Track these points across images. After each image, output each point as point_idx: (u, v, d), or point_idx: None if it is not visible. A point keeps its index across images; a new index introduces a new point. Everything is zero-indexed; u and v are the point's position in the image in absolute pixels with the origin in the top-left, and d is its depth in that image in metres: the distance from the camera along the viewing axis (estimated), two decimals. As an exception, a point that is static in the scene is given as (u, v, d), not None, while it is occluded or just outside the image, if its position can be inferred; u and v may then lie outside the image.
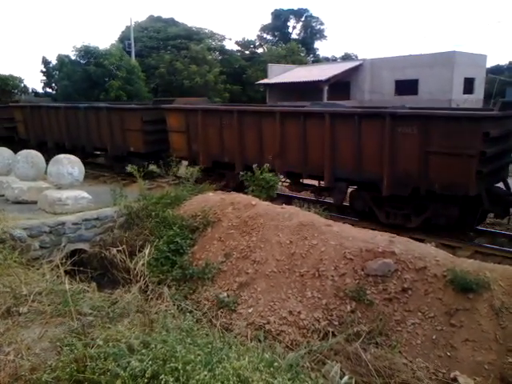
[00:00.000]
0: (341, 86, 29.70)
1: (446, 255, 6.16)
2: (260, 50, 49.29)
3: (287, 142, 10.84)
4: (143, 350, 3.15)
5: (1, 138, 20.12)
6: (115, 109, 15.46)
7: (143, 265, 6.40)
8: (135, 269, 6.22)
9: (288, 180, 11.82)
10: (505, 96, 30.31)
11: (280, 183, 11.78)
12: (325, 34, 55.36)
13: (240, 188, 10.82)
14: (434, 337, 5.22)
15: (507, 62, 44.31)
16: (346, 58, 48.74)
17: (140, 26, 43.26)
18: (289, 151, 10.87)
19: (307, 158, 10.50)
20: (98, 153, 17.49)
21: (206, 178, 11.69)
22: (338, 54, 54.20)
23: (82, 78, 30.71)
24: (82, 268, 6.53)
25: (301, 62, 40.22)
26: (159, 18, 46.76)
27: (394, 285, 5.75)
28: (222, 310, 6.17)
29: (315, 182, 11.21)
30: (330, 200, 11.18)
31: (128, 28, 38.73)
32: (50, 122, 17.82)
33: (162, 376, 2.85)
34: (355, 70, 29.94)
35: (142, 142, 14.35)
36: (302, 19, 54.61)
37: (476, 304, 5.26)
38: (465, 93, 26.93)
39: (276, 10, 53.98)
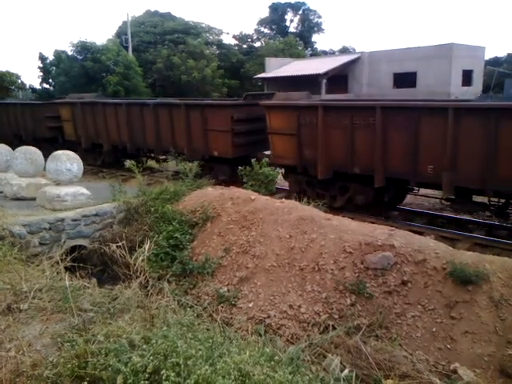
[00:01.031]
0: (339, 79, 29.66)
1: (446, 248, 6.16)
2: (257, 44, 49.13)
3: (463, 148, 8.34)
4: (144, 346, 3.15)
5: (44, 139, 18.26)
6: (196, 106, 13.12)
7: (143, 260, 6.41)
8: (135, 264, 6.23)
9: (452, 197, 9.30)
10: (503, 88, 30.23)
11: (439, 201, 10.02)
12: (322, 27, 55.34)
13: (373, 205, 9.23)
14: (433, 329, 5.23)
15: (505, 54, 44.23)
16: (344, 51, 48.60)
17: (137, 20, 43.06)
18: (464, 160, 8.35)
19: (498, 170, 8.03)
20: (164, 157, 14.95)
21: (321, 193, 10.13)
22: (336, 48, 54.28)
23: (79, 73, 30.63)
24: (81, 264, 6.52)
25: (298, 56, 40.11)
26: (156, 13, 46.54)
27: (394, 278, 5.76)
28: (222, 304, 6.17)
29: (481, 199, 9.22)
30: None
31: (125, 23, 38.51)
32: (107, 121, 15.46)
33: (163, 371, 2.85)
34: (353, 63, 29.90)
35: (230, 144, 12.10)
36: (300, 12, 54.41)
37: (475, 296, 5.27)
38: (463, 85, 26.89)
39: (273, 3, 53.81)
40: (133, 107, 14.79)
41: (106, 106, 15.65)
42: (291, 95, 11.89)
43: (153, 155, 15.62)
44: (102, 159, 16.86)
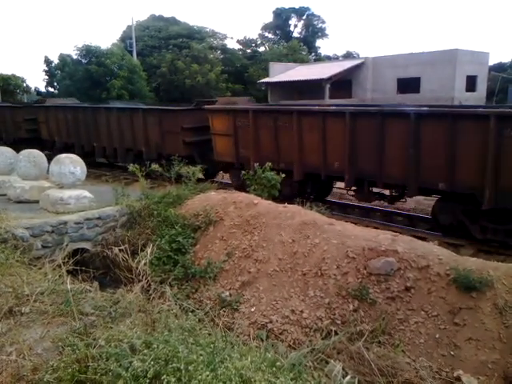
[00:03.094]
0: (343, 84, 29.66)
1: (449, 254, 6.13)
2: (261, 49, 49.26)
3: None
4: (145, 350, 3.13)
5: (184, 157, 12.55)
6: (481, 116, 8.14)
7: (145, 264, 6.38)
8: (137, 268, 6.20)
9: None
10: (507, 93, 30.21)
11: None
12: (326, 32, 55.27)
13: None
14: (437, 336, 5.19)
15: (510, 60, 44.13)
16: (348, 56, 48.63)
17: (141, 25, 43.29)
18: None
19: None
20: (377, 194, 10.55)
21: None
22: (340, 53, 54.06)
23: (83, 77, 30.79)
24: (84, 267, 6.51)
25: (302, 61, 40.15)
26: (160, 17, 46.77)
27: (397, 284, 5.73)
28: (224, 309, 6.15)
29: None
30: None
31: (129, 27, 38.73)
32: (304, 138, 10.76)
33: (164, 376, 2.83)
34: (357, 68, 29.89)
35: None
36: (304, 18, 54.49)
37: (479, 303, 5.23)
38: (467, 90, 26.85)
39: (277, 8, 53.88)
40: (362, 117, 9.63)
41: (303, 114, 10.79)
42: None
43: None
44: (286, 191, 10.56)
